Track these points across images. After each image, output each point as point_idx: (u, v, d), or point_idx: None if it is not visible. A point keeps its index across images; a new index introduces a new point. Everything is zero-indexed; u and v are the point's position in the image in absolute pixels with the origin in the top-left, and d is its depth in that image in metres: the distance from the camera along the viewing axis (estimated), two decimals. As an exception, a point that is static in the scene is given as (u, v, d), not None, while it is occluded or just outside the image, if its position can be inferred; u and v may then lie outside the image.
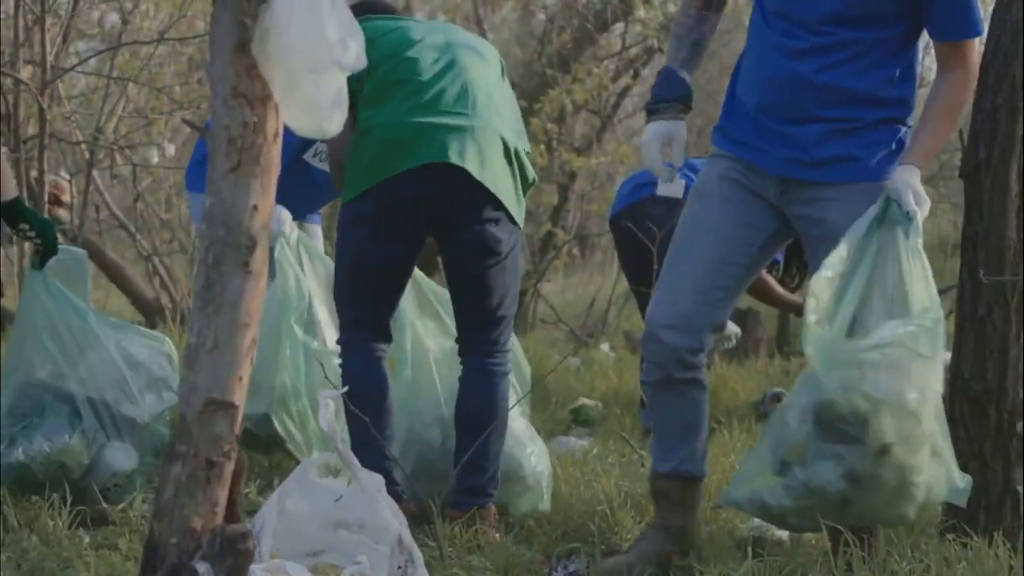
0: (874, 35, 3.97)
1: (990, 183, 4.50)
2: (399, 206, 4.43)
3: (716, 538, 4.35)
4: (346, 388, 3.63)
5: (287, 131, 5.78)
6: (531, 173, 4.61)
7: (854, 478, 3.74)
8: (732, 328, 6.09)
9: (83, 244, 9.02)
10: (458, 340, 4.66)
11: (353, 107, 4.25)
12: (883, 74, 4.01)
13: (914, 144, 4.00)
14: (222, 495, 2.62)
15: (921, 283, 3.90)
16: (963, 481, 3.90)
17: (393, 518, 3.49)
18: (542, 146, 9.63)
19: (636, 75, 10.48)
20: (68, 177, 8.77)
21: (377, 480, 3.49)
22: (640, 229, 6.44)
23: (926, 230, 4.09)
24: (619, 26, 10.51)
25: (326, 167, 5.68)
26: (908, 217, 3.88)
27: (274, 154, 2.59)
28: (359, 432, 4.39)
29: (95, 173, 9.16)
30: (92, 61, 8.53)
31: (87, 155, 8.98)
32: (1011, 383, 4.46)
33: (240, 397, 2.61)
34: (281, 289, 5.15)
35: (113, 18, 11.19)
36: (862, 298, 3.87)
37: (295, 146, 5.62)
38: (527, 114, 9.52)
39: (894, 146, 4.06)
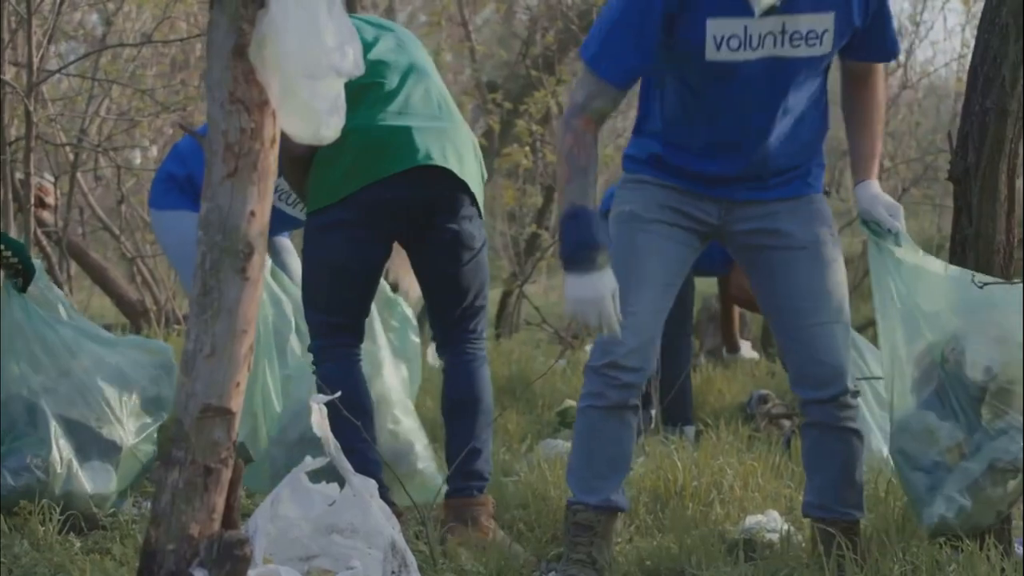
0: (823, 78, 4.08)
1: (979, 186, 4.50)
2: (385, 210, 4.45)
3: (707, 541, 4.35)
4: (338, 393, 3.62)
5: None
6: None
7: None
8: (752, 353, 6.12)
9: (67, 246, 9.01)
10: (436, 336, 4.71)
11: None
12: (821, 105, 4.11)
13: (862, 160, 4.12)
14: (220, 501, 2.62)
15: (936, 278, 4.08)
16: None
17: (386, 522, 3.49)
18: (527, 148, 9.63)
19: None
20: (52, 179, 8.73)
21: (370, 485, 3.50)
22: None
23: (909, 231, 4.17)
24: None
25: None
26: (891, 232, 4.02)
27: (271, 160, 2.58)
28: (344, 438, 4.39)
29: (78, 175, 9.12)
30: (76, 63, 8.48)
31: (71, 157, 8.95)
32: (1000, 385, 4.47)
33: (237, 403, 2.61)
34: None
35: (94, 19, 11.17)
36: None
37: None
38: (511, 116, 9.54)
39: (822, 160, 4.22)
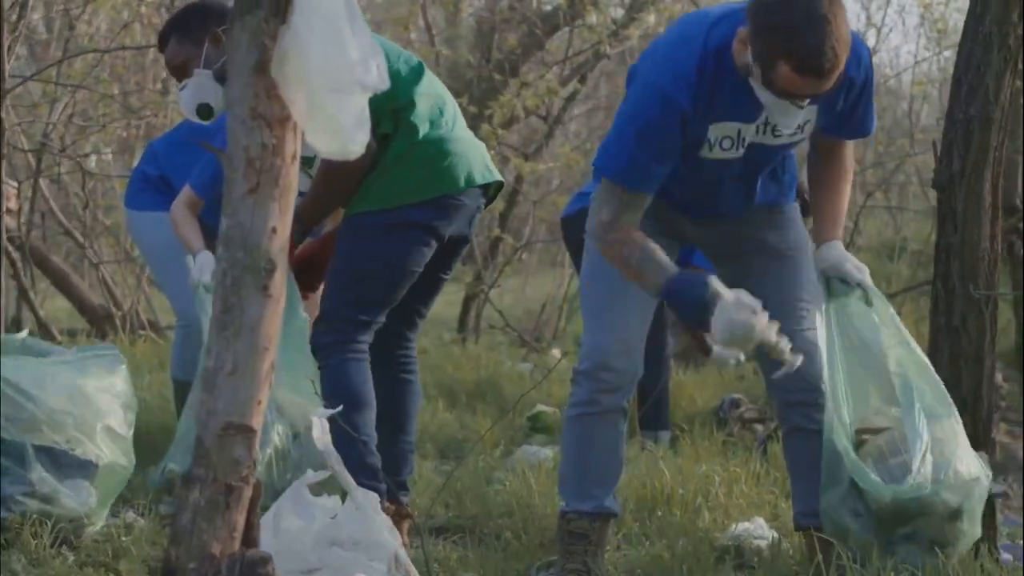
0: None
1: (964, 193, 4.54)
2: (457, 218, 4.51)
3: (697, 547, 4.36)
4: (339, 408, 3.60)
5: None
6: None
7: None
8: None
9: (29, 250, 8.93)
10: (386, 340, 4.66)
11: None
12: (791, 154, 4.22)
13: (830, 222, 4.14)
14: (240, 520, 2.60)
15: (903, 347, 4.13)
16: None
17: (389, 535, 3.49)
18: (492, 152, 9.61)
19: (583, 80, 10.46)
20: (15, 184, 8.65)
21: (373, 498, 3.49)
22: (580, 238, 6.51)
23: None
24: (564, 31, 10.48)
25: None
26: (859, 286, 4.08)
27: (292, 176, 2.56)
28: (359, 437, 4.42)
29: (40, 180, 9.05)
30: (50, 67, 8.41)
31: (33, 162, 8.87)
32: (986, 392, 4.51)
33: (258, 421, 2.59)
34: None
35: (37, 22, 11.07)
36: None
37: (220, 180, 5.54)
38: (477, 119, 9.52)
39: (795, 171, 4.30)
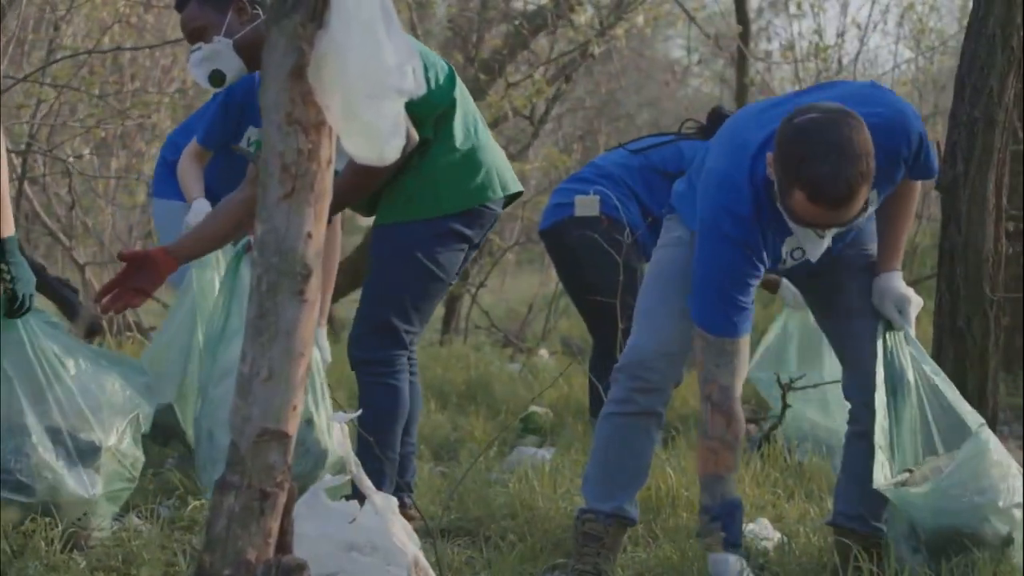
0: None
1: (968, 195, 4.57)
2: (489, 227, 4.59)
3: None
4: (359, 412, 3.60)
5: (208, 119, 5.63)
6: None
7: None
8: None
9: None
10: None
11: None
12: None
13: (893, 252, 4.09)
14: (275, 526, 2.59)
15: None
16: None
17: (408, 540, 3.48)
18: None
19: (568, 80, 10.45)
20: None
21: (392, 502, 3.48)
22: (562, 249, 6.55)
23: None
24: (549, 30, 10.48)
25: None
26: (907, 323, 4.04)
27: (327, 181, 2.55)
28: (389, 455, 4.46)
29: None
30: (48, 67, 8.37)
31: (18, 165, 8.83)
32: (990, 393, 4.53)
33: (294, 427, 2.58)
34: (196, 284, 5.16)
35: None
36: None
37: (225, 133, 5.60)
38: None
39: None
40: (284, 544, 2.62)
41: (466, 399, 7.75)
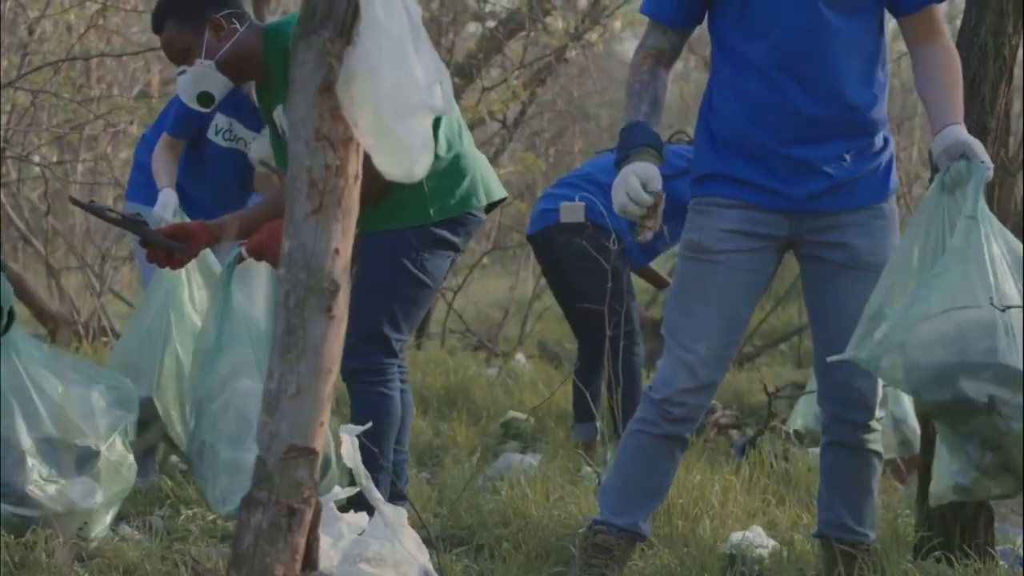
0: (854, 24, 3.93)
1: (960, 204, 4.57)
2: (471, 235, 4.62)
3: (704, 557, 4.38)
4: (369, 424, 3.59)
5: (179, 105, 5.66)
6: None
7: None
8: None
9: (-12, 257, 8.82)
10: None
11: None
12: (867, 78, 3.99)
13: (951, 107, 3.90)
14: (302, 542, 2.58)
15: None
16: None
17: (417, 551, 3.47)
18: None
19: (542, 83, 10.46)
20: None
21: (400, 513, 3.47)
22: (548, 255, 6.58)
23: None
24: (521, 35, 10.47)
25: (235, 146, 5.77)
26: (983, 167, 3.80)
27: (355, 197, 2.55)
28: (385, 463, 4.47)
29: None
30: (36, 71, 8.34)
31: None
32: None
33: (320, 443, 2.57)
34: (167, 276, 5.15)
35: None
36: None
37: (192, 122, 5.61)
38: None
39: (886, 166, 4.07)
40: (310, 560, 2.61)
41: (446, 404, 7.74)
